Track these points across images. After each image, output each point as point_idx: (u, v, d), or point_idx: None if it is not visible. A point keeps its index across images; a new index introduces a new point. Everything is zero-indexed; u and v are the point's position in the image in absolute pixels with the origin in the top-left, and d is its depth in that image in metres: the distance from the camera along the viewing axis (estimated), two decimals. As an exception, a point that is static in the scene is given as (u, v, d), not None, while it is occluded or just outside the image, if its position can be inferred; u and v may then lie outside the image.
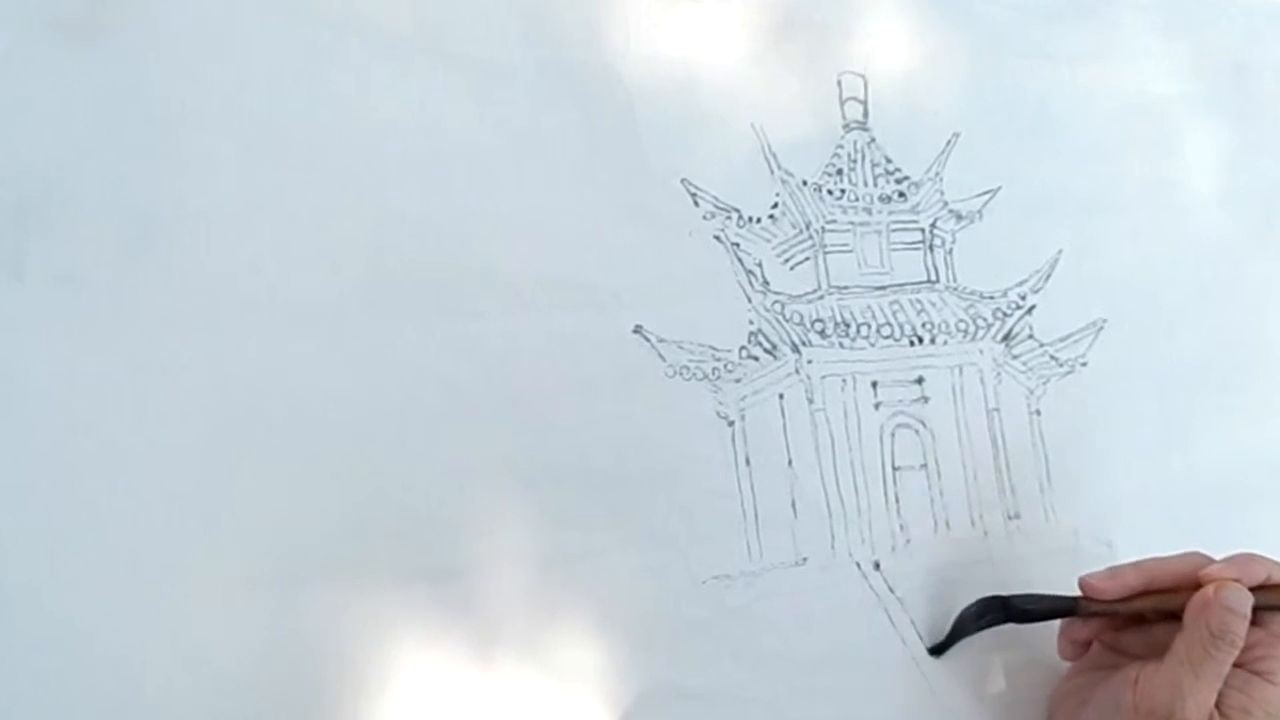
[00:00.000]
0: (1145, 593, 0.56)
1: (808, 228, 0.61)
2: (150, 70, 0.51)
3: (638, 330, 0.57)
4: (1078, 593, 0.57)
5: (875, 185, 0.63)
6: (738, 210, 0.60)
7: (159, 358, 0.49)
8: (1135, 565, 0.57)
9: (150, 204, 0.50)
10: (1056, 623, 0.59)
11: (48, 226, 0.48)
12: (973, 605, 0.59)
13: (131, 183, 0.50)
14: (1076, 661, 0.60)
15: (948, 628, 0.59)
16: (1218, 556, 0.56)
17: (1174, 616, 0.55)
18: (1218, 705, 0.53)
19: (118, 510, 0.47)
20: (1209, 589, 0.53)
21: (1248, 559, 0.55)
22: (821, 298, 0.61)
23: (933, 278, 0.64)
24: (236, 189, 0.51)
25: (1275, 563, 0.55)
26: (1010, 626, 0.58)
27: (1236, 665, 0.54)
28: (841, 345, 0.61)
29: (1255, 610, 0.53)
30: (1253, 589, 0.53)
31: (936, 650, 0.59)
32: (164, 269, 0.49)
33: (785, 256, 0.61)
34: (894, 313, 0.62)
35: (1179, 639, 0.54)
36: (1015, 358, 0.65)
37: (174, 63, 0.51)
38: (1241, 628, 0.52)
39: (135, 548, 0.47)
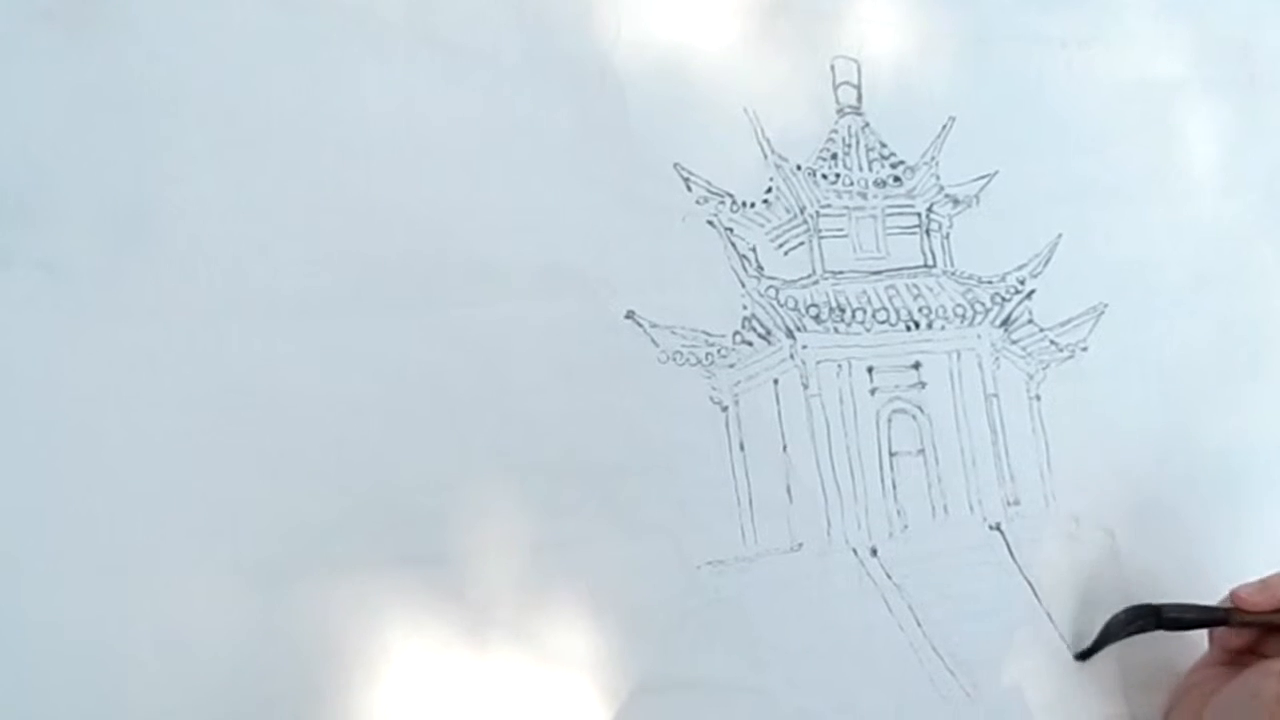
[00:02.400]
0: None
1: (802, 212, 0.61)
2: (135, 61, 0.51)
3: (630, 316, 0.56)
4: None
5: (870, 170, 0.63)
6: (731, 195, 0.60)
7: (145, 348, 0.48)
8: None
9: (136, 195, 0.50)
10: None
11: (33, 217, 0.48)
12: (1122, 612, 0.60)
13: (117, 173, 0.49)
14: (1199, 661, 0.61)
15: (1093, 633, 0.60)
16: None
17: None
18: None
19: (104, 502, 0.47)
20: None
21: None
22: (816, 283, 0.61)
23: (929, 262, 0.63)
24: (223, 179, 0.51)
25: None
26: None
27: None
28: (836, 330, 0.60)
29: None
30: None
31: (1083, 655, 0.60)
32: (150, 259, 0.49)
33: (779, 241, 0.60)
34: (890, 297, 0.62)
35: None
36: (1014, 343, 0.64)
37: (160, 54, 0.51)
38: None
39: (121, 539, 0.47)
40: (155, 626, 0.47)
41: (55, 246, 0.48)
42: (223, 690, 0.47)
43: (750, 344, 0.58)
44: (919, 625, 0.58)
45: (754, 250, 0.60)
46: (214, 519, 0.48)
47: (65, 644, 0.46)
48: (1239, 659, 0.59)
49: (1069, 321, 0.66)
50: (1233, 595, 0.58)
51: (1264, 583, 0.58)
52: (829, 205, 0.62)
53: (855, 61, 0.64)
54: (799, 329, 0.60)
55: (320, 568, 0.49)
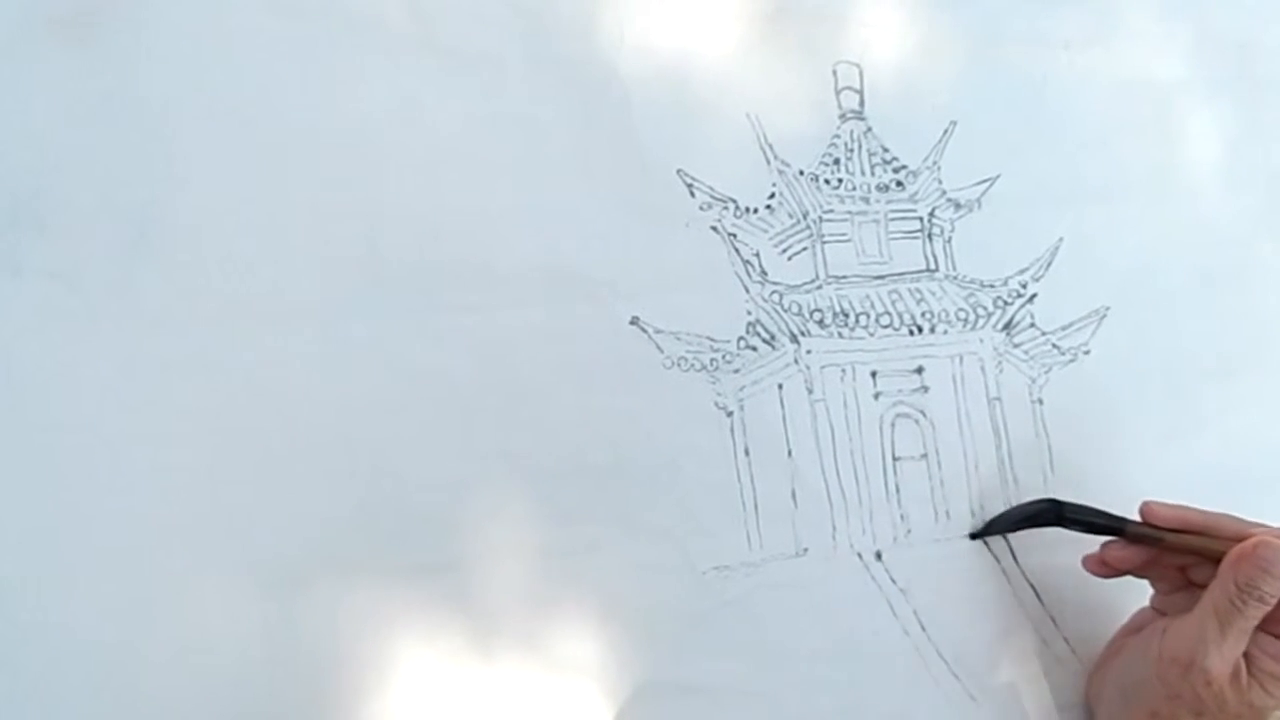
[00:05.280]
0: (1198, 534, 0.56)
1: (805, 217, 0.61)
2: (144, 69, 0.51)
3: (635, 322, 0.56)
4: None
5: (872, 174, 0.63)
6: (734, 201, 0.60)
7: (156, 355, 0.49)
8: (1205, 511, 0.57)
9: (145, 202, 0.50)
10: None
11: (44, 225, 0.48)
12: (1027, 502, 0.60)
13: (126, 181, 0.50)
14: (1125, 624, 0.60)
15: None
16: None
17: None
18: (1249, 666, 0.53)
19: (115, 508, 0.47)
20: (1250, 541, 0.53)
21: None
22: (820, 287, 0.61)
23: (932, 266, 0.63)
24: (231, 186, 0.51)
25: None
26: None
27: (1274, 635, 0.54)
28: (840, 335, 0.60)
29: None
30: None
31: (976, 535, 0.60)
32: (160, 266, 0.50)
33: (783, 247, 0.60)
34: (893, 302, 0.62)
35: (1210, 588, 0.54)
36: (1016, 346, 0.64)
37: (168, 61, 0.51)
38: (1271, 586, 0.52)
39: (132, 545, 0.47)
40: (166, 631, 0.47)
41: (65, 254, 0.48)
42: (234, 694, 0.48)
43: (754, 349, 0.59)
44: (923, 629, 0.58)
45: (757, 256, 0.60)
46: (225, 524, 0.49)
47: (79, 649, 0.46)
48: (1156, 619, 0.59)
49: (1071, 325, 0.66)
50: (1143, 504, 0.58)
51: (1180, 506, 0.57)
52: (832, 210, 0.62)
53: (857, 66, 0.64)
54: (803, 334, 0.60)
55: (329, 572, 0.50)
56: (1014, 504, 0.62)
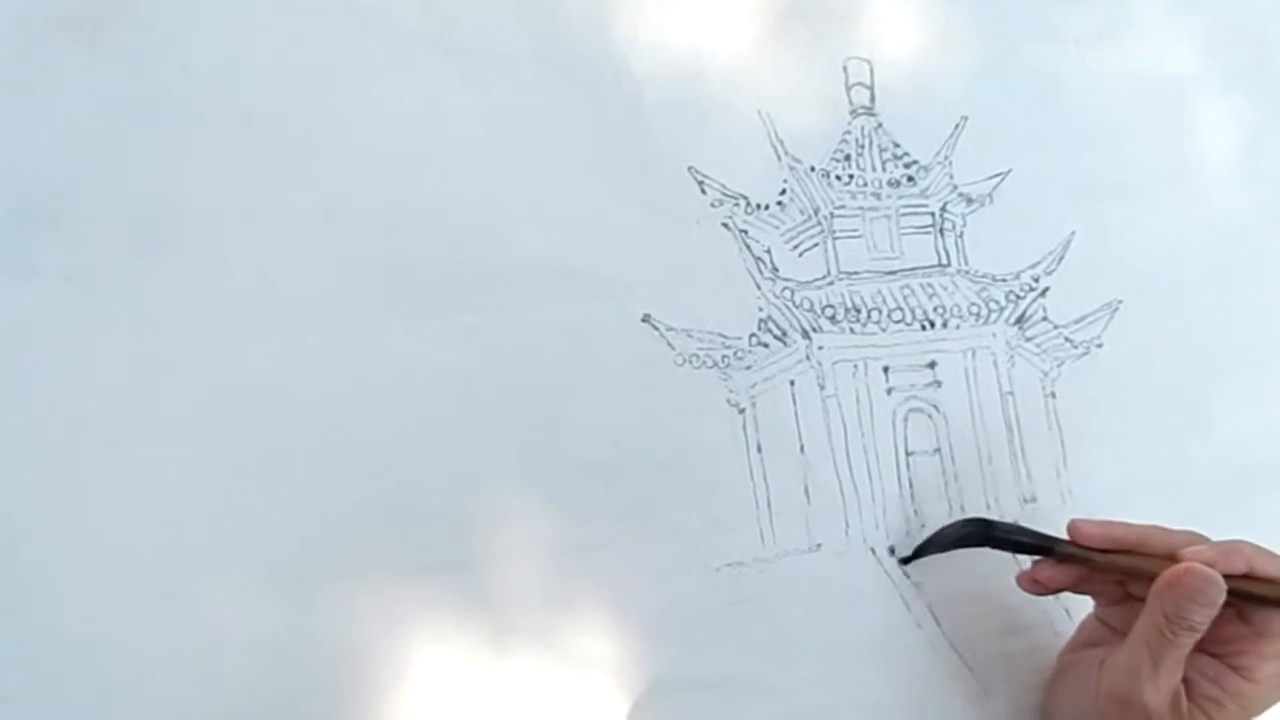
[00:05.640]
0: (1127, 552, 0.55)
1: (816, 213, 0.61)
2: (154, 69, 0.51)
3: (647, 319, 0.57)
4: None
5: (884, 170, 0.63)
6: (745, 197, 0.60)
7: (167, 354, 0.49)
8: (1131, 525, 0.56)
9: (156, 202, 0.50)
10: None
11: (55, 226, 0.48)
12: (955, 523, 0.59)
13: (137, 182, 0.50)
14: (1071, 637, 0.59)
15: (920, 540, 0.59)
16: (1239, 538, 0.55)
17: None
18: (1188, 692, 0.52)
19: (127, 508, 0.47)
20: (1177, 569, 0.51)
21: (1232, 547, 0.52)
22: (831, 283, 0.61)
23: (943, 261, 0.63)
24: (242, 186, 0.51)
25: (1267, 554, 0.53)
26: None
27: (1213, 656, 0.53)
28: (852, 331, 0.60)
29: (1238, 602, 0.51)
30: (1233, 579, 0.51)
31: (906, 560, 0.59)
32: (171, 267, 0.50)
33: (794, 243, 0.60)
34: (905, 297, 0.62)
35: (1140, 619, 0.52)
36: (1029, 340, 0.64)
37: (178, 61, 0.51)
38: (1201, 615, 0.50)
39: (144, 546, 0.47)
40: (178, 632, 0.47)
41: (78, 255, 0.49)
42: (246, 696, 0.48)
43: (766, 345, 0.59)
44: (937, 624, 0.59)
45: (769, 252, 0.60)
46: (236, 525, 0.49)
47: (88, 650, 0.46)
48: (1103, 633, 0.58)
49: (1083, 318, 0.66)
50: (1070, 523, 0.56)
51: (1107, 522, 0.56)
52: (843, 206, 0.62)
53: (868, 62, 0.64)
54: (815, 330, 0.60)
55: (342, 573, 0.50)
56: (1026, 498, 0.62)
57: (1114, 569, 0.55)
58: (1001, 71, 0.67)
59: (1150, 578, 0.52)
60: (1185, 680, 0.52)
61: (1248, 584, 0.52)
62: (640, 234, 0.57)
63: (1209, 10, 0.73)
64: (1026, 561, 0.58)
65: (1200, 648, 0.52)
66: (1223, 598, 0.51)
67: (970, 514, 0.60)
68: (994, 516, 0.60)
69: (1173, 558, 0.53)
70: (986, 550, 0.59)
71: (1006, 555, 0.59)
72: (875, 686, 0.57)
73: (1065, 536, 0.56)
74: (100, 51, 0.50)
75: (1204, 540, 0.54)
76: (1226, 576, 0.51)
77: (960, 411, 0.62)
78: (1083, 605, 0.60)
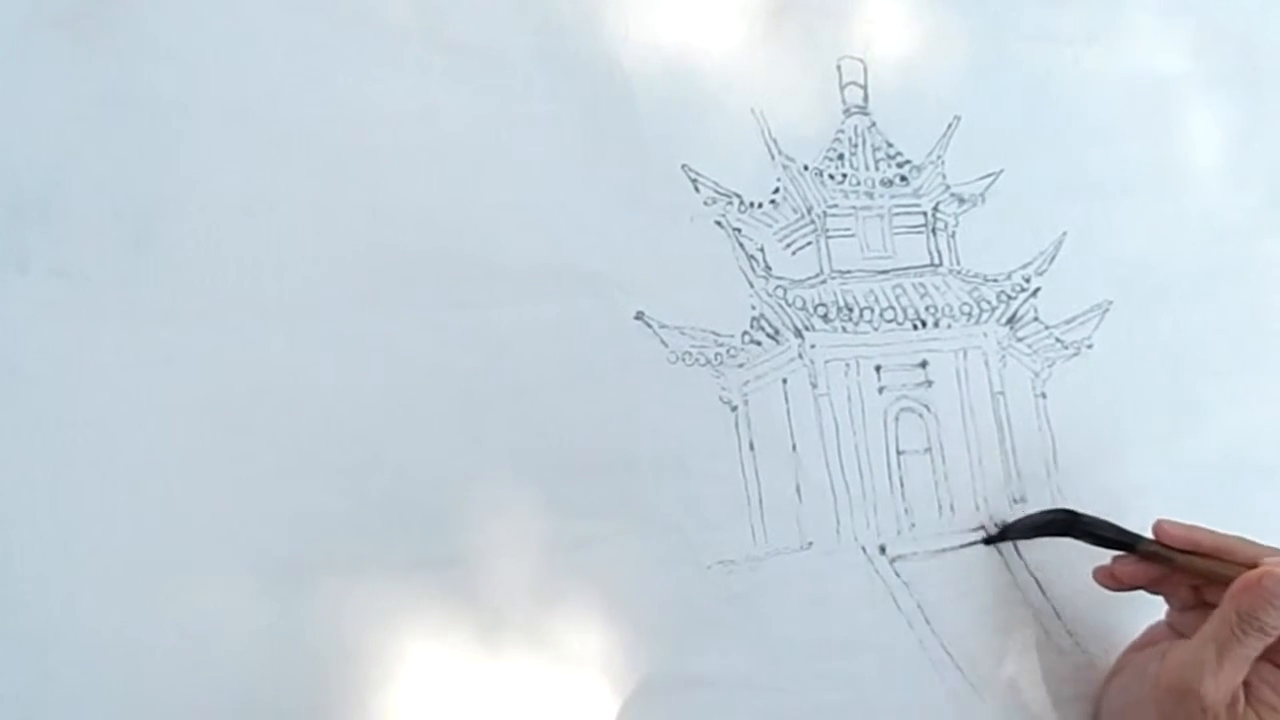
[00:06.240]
0: (1208, 556, 0.56)
1: (809, 212, 0.61)
2: (149, 65, 0.51)
3: (639, 317, 0.57)
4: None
5: (876, 169, 0.63)
6: (739, 196, 0.60)
7: (162, 351, 0.49)
8: (1215, 533, 0.57)
9: (151, 198, 0.50)
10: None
11: (49, 221, 0.48)
12: (1042, 510, 0.60)
13: (132, 177, 0.50)
14: (1136, 639, 0.60)
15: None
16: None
17: None
18: (1247, 695, 0.53)
19: (121, 503, 0.47)
20: (1256, 572, 0.52)
21: None
22: (824, 282, 0.61)
23: (935, 261, 0.64)
24: (236, 182, 0.51)
25: None
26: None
27: (1276, 665, 0.53)
28: (844, 329, 0.61)
29: None
30: None
31: (990, 540, 0.60)
32: (166, 262, 0.50)
33: (787, 241, 0.61)
34: (897, 296, 0.62)
35: (1212, 616, 0.53)
36: (1020, 340, 0.65)
37: (172, 57, 0.51)
38: (1274, 618, 0.51)
39: (139, 541, 0.47)
40: (171, 627, 0.47)
41: (71, 251, 0.48)
42: (239, 690, 0.47)
43: (759, 344, 0.59)
44: (927, 622, 0.59)
45: (762, 250, 0.60)
46: (229, 520, 0.48)
47: (83, 645, 0.46)
48: (1167, 635, 0.59)
49: (1074, 319, 0.66)
50: (1156, 523, 0.58)
51: (1192, 526, 0.57)
52: (836, 205, 0.62)
53: (861, 61, 0.64)
54: (807, 328, 0.60)
55: (334, 568, 0.49)
56: (1016, 498, 0.62)
57: (1193, 571, 0.57)
58: (994, 72, 0.67)
59: (1227, 582, 0.53)
60: (1246, 684, 0.53)
61: None
62: (633, 232, 0.57)
63: (1198, 12, 0.74)
64: (1023, 566, 0.59)
65: (1266, 656, 0.53)
66: None
67: (964, 520, 0.61)
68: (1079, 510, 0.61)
69: (1253, 566, 0.53)
70: (979, 549, 0.59)
71: (997, 556, 0.60)
72: (865, 685, 0.57)
73: (1147, 535, 0.57)
74: (95, 47, 0.50)
75: None
76: None
77: (951, 411, 0.62)
78: (1075, 608, 0.61)
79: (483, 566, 0.52)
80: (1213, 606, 0.54)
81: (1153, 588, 0.59)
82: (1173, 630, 0.59)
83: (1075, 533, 0.59)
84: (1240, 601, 0.52)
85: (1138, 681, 0.56)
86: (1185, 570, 0.57)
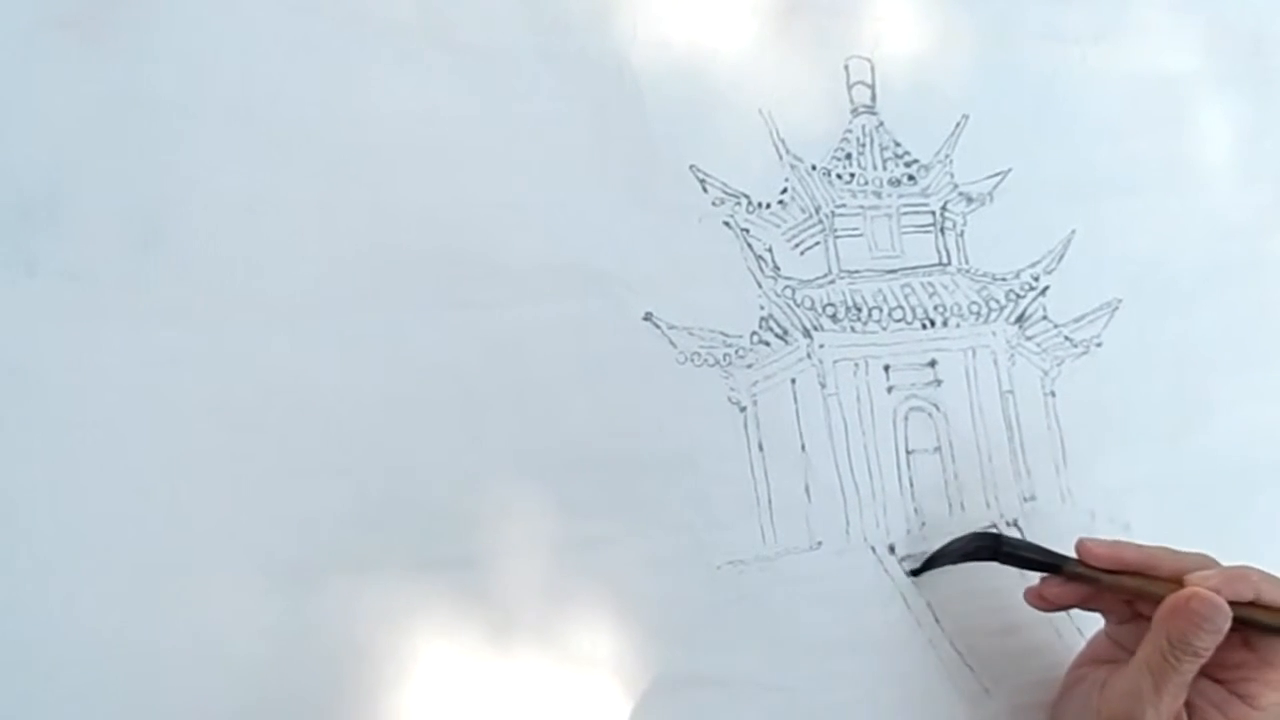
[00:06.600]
0: (1135, 574, 0.54)
1: (817, 212, 0.61)
2: (155, 66, 0.51)
3: (648, 317, 0.57)
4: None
5: (884, 169, 0.63)
6: (747, 196, 0.60)
7: (168, 352, 0.49)
8: (1141, 547, 0.55)
9: (157, 199, 0.50)
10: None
11: (56, 223, 0.48)
12: (964, 537, 0.59)
13: (138, 179, 0.50)
14: (1081, 651, 0.59)
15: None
16: (1237, 541, 0.55)
17: None
18: (1190, 716, 0.52)
19: (129, 504, 0.47)
20: (1183, 594, 0.51)
21: (1239, 573, 0.52)
22: (832, 282, 0.61)
23: (944, 260, 0.63)
24: (243, 183, 0.51)
25: (1275, 581, 0.52)
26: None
27: (1218, 682, 0.53)
28: (853, 329, 0.61)
29: (1243, 629, 0.51)
30: (1239, 605, 0.50)
31: (915, 573, 0.59)
32: (172, 264, 0.50)
33: (795, 241, 0.60)
34: (905, 296, 0.62)
35: (1144, 642, 0.52)
36: (1029, 339, 0.65)
37: (178, 59, 0.51)
38: (1205, 641, 0.50)
39: (145, 542, 0.47)
40: (180, 627, 0.47)
41: (78, 251, 0.48)
42: (247, 691, 0.47)
43: (768, 344, 0.59)
44: (937, 621, 0.59)
45: (770, 250, 0.60)
46: (236, 521, 0.48)
47: (91, 645, 0.46)
48: (1113, 651, 0.58)
49: (1083, 317, 0.66)
50: (1078, 543, 0.56)
51: (1116, 542, 0.55)
52: (844, 205, 0.62)
53: (869, 61, 0.64)
54: (816, 328, 0.60)
55: (343, 569, 0.50)
56: (1026, 496, 0.62)
57: (1121, 590, 0.55)
58: (1002, 71, 0.67)
59: (1157, 600, 0.52)
60: (1188, 705, 0.52)
61: (1254, 611, 0.51)
62: (642, 232, 0.57)
63: (1205, 11, 0.74)
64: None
65: (1205, 673, 0.51)
66: (1228, 625, 0.50)
67: (974, 519, 0.60)
68: (999, 531, 0.60)
69: (1180, 581, 0.52)
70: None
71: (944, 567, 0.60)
72: (875, 684, 0.57)
73: (1073, 554, 0.56)
74: (100, 48, 0.50)
75: (1213, 564, 0.54)
76: (1232, 603, 0.50)
77: (960, 410, 0.62)
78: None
79: (492, 567, 0.52)
80: (1148, 619, 0.53)
81: (1086, 605, 0.57)
82: (1113, 642, 0.58)
83: (1001, 558, 0.58)
84: (1170, 627, 0.50)
85: (1083, 710, 0.55)
86: (1113, 589, 0.55)
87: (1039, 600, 0.57)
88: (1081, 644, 0.60)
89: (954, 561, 0.59)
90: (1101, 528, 0.63)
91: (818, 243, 0.61)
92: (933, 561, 0.59)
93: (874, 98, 0.64)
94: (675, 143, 0.59)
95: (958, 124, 0.65)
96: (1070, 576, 0.56)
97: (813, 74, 0.62)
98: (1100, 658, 0.58)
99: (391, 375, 0.52)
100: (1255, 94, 0.74)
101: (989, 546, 0.58)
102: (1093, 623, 0.61)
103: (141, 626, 0.46)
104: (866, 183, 0.63)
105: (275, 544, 0.49)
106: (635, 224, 0.57)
